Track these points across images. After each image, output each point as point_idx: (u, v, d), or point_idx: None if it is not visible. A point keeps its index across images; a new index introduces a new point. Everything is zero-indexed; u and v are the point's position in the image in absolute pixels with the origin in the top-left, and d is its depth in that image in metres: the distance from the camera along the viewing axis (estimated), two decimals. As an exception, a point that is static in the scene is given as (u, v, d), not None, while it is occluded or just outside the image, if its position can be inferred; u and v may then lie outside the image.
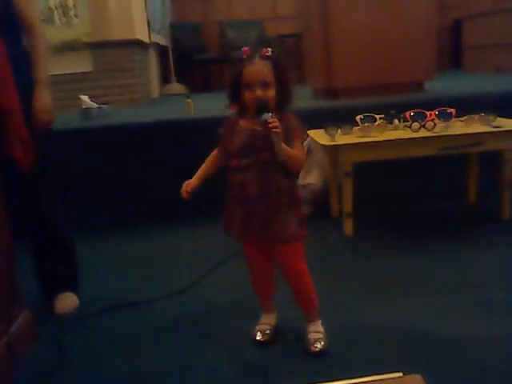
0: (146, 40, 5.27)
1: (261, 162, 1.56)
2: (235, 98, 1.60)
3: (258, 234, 1.63)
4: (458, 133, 2.62)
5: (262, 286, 1.81)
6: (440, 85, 3.94)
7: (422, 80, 3.77)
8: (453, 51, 7.05)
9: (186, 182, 1.67)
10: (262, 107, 1.50)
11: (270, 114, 1.48)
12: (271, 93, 1.53)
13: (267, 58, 1.54)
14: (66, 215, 2.22)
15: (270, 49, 1.54)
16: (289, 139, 1.54)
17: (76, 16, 4.72)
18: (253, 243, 1.70)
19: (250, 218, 1.61)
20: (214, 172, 1.71)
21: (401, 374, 1.20)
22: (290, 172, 1.58)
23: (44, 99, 2.03)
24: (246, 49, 1.57)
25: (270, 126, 1.47)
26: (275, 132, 1.47)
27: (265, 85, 1.52)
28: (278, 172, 1.56)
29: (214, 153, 1.71)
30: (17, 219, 2.04)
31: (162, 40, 6.37)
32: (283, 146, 1.50)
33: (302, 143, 1.63)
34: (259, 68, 1.53)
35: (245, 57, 1.56)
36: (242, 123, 1.61)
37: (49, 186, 2.14)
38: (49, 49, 2.15)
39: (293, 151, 1.54)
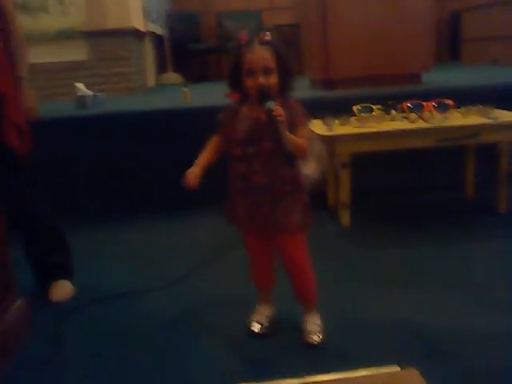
0: (142, 29, 5.23)
1: (266, 151, 1.52)
2: (236, 85, 1.55)
3: (263, 225, 1.60)
4: (456, 124, 2.61)
5: (262, 278, 1.79)
6: (438, 77, 3.92)
7: (420, 72, 3.76)
8: (450, 43, 7.03)
9: (189, 171, 1.58)
10: (264, 95, 1.46)
11: (274, 102, 1.44)
12: (273, 79, 1.48)
13: (267, 42, 1.48)
14: (54, 203, 2.18)
15: (268, 33, 1.49)
16: (293, 126, 1.50)
17: (71, 4, 4.68)
18: (256, 234, 1.67)
19: (255, 209, 1.58)
20: (216, 159, 1.65)
21: (397, 368, 1.19)
22: (295, 160, 1.54)
23: (28, 97, 2.02)
24: (244, 34, 1.51)
25: (274, 114, 1.43)
26: (280, 120, 1.43)
27: (266, 71, 1.47)
28: (282, 161, 1.51)
29: (215, 140, 1.64)
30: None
31: (159, 29, 6.33)
32: (288, 134, 1.46)
33: (306, 129, 1.59)
34: (260, 54, 1.47)
35: (243, 43, 1.50)
36: (245, 111, 1.56)
37: (34, 175, 2.11)
38: (26, 40, 2.10)
39: (297, 139, 1.50)
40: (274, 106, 1.44)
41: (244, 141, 1.54)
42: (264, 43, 1.48)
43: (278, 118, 1.43)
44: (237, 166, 1.58)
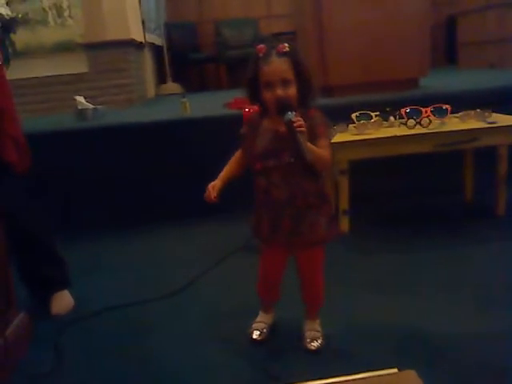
0: (141, 40, 5.26)
1: (286, 164, 1.50)
2: (254, 98, 1.54)
3: (286, 239, 1.58)
4: (454, 129, 2.62)
5: (269, 293, 1.79)
6: (435, 81, 3.94)
7: (417, 76, 3.77)
8: (447, 48, 7.05)
9: (211, 184, 1.59)
10: (283, 107, 1.44)
11: (294, 112, 1.43)
12: (292, 90, 1.47)
13: (285, 54, 1.47)
14: (53, 215, 2.17)
15: (286, 44, 1.48)
16: (314, 138, 1.47)
17: (70, 17, 4.71)
18: (279, 248, 1.65)
19: (278, 223, 1.56)
20: (239, 173, 1.64)
21: (395, 370, 1.21)
22: (316, 171, 1.53)
23: None
24: (261, 46, 1.49)
25: (294, 125, 1.41)
26: (300, 131, 1.41)
27: (285, 83, 1.46)
28: (304, 173, 1.50)
29: (238, 154, 1.65)
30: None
31: (157, 40, 6.36)
32: (309, 145, 1.43)
33: (328, 139, 1.56)
34: (277, 66, 1.46)
35: (261, 55, 1.49)
36: (265, 124, 1.55)
37: (31, 188, 2.10)
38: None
39: (318, 150, 1.47)
40: (294, 117, 1.42)
41: (264, 154, 1.53)
42: (281, 55, 1.47)
43: (298, 129, 1.41)
44: (258, 180, 1.57)
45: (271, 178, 1.54)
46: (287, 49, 1.48)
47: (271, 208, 1.56)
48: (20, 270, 2.12)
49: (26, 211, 2.07)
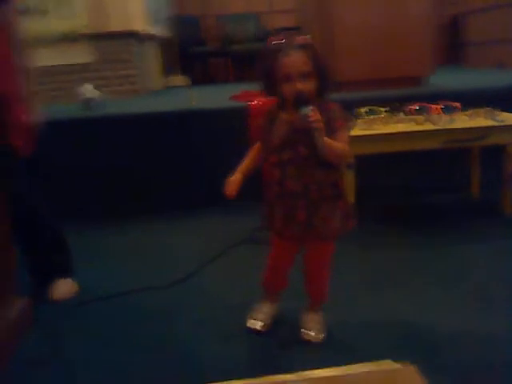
0: (145, 31, 5.23)
1: (300, 156, 1.49)
2: (271, 90, 1.53)
3: (301, 231, 1.56)
4: (463, 126, 2.61)
5: (278, 283, 1.78)
6: (443, 79, 3.93)
7: (424, 74, 3.75)
8: (455, 46, 7.04)
9: (230, 179, 1.58)
10: (301, 101, 1.43)
11: (311, 107, 1.42)
12: (311, 84, 1.46)
13: (303, 46, 1.46)
14: (51, 203, 2.16)
15: (305, 37, 1.47)
16: (331, 130, 1.46)
17: (73, 7, 4.67)
18: (291, 240, 1.63)
19: (292, 215, 1.54)
20: (257, 166, 1.64)
21: (396, 365, 1.19)
22: (331, 164, 1.52)
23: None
24: (279, 38, 1.49)
25: (310, 120, 1.40)
26: (317, 126, 1.41)
27: (304, 76, 1.45)
28: (319, 166, 1.49)
29: (256, 146, 1.64)
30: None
31: (161, 32, 6.33)
32: (325, 139, 1.43)
33: (347, 132, 1.54)
34: (296, 59, 1.45)
35: (279, 47, 1.48)
36: (282, 116, 1.54)
37: (34, 174, 2.09)
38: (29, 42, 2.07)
39: (335, 144, 1.46)
40: (311, 112, 1.41)
41: (280, 146, 1.52)
42: (300, 47, 1.46)
43: (314, 124, 1.40)
44: (273, 172, 1.56)
45: (286, 170, 1.52)
46: (306, 41, 1.47)
47: (285, 200, 1.55)
48: (24, 254, 2.11)
49: (33, 197, 2.06)
